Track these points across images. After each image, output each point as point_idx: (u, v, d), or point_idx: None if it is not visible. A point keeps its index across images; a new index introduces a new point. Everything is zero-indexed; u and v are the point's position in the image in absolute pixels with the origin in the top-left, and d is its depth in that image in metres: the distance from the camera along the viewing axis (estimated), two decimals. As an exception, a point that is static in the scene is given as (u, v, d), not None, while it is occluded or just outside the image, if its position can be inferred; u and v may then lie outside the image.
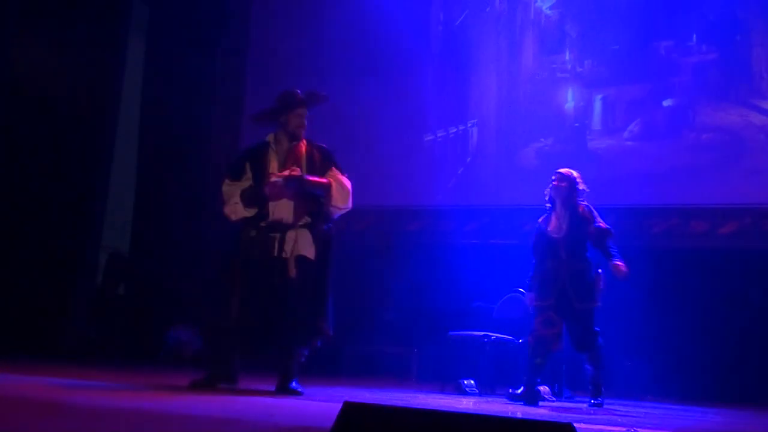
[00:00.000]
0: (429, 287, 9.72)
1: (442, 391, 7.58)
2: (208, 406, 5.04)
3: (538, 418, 4.84)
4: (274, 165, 6.40)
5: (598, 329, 7.07)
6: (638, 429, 4.85)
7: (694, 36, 9.42)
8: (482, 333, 7.75)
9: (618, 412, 6.46)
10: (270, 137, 6.56)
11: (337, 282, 10.21)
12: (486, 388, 7.66)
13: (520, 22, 10.24)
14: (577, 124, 9.85)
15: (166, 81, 11.45)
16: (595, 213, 7.16)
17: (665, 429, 5.34)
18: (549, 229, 7.18)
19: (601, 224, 7.11)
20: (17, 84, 9.96)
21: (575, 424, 3.24)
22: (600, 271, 7.13)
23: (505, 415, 4.49)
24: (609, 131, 9.76)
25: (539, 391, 7.17)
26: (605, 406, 6.86)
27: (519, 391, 7.04)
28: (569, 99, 9.93)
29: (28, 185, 10.04)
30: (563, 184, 7.17)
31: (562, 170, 7.26)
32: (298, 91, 6.59)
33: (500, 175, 10.00)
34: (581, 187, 7.23)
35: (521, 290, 7.94)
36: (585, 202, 7.21)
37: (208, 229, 11.23)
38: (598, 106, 9.80)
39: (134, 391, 5.91)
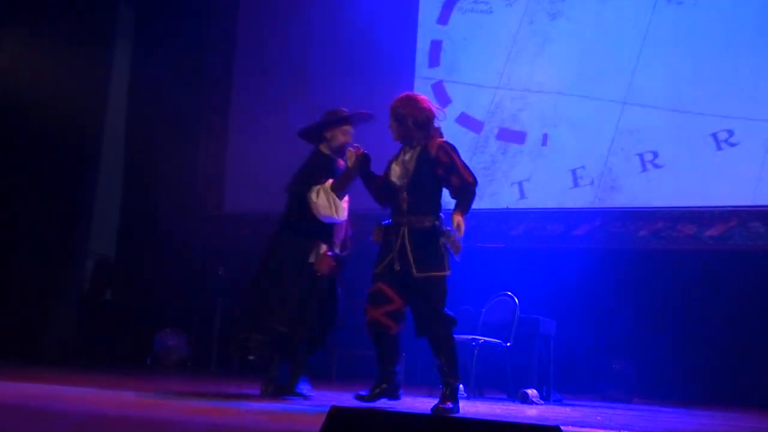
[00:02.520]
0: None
1: (430, 395, 7.57)
2: (194, 411, 5.02)
3: (526, 421, 4.84)
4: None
5: (448, 311, 5.80)
6: (625, 431, 4.85)
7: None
8: (470, 336, 7.74)
9: (605, 415, 6.47)
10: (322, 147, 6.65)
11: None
12: (474, 392, 7.65)
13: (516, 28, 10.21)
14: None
15: (152, 85, 11.43)
16: (457, 155, 5.68)
17: (653, 431, 5.34)
18: (390, 173, 5.81)
19: (463, 172, 5.70)
20: (1, 87, 9.91)
21: (562, 427, 3.24)
22: (449, 229, 5.87)
23: (493, 418, 4.49)
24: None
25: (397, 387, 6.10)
26: (598, 408, 6.86)
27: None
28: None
29: (13, 190, 9.99)
30: (403, 112, 5.75)
31: (402, 94, 5.96)
32: (344, 109, 6.59)
33: (490, 178, 9.94)
34: (433, 115, 5.75)
35: (509, 293, 7.96)
36: (442, 139, 5.75)
37: (194, 235, 11.22)
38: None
39: (121, 397, 5.88)
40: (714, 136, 9.13)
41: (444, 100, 10.15)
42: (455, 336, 7.78)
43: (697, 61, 9.26)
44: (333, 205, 6.47)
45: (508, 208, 9.78)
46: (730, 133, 9.10)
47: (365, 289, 6.26)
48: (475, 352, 7.61)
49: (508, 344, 7.72)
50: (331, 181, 6.40)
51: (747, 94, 9.05)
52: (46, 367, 8.55)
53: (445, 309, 5.74)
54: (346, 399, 6.44)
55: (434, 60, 10.50)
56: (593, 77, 9.63)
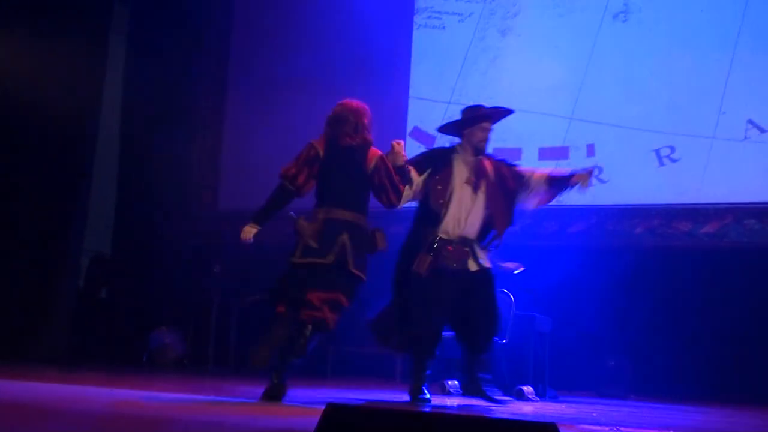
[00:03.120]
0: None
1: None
2: (191, 410, 5.02)
3: (522, 418, 4.84)
4: (459, 173, 6.35)
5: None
6: (622, 428, 4.86)
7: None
8: (466, 334, 7.73)
9: (601, 411, 6.48)
10: (458, 147, 6.50)
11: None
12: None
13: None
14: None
15: (147, 82, 11.42)
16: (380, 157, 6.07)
17: (649, 428, 5.35)
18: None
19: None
20: (-5, 87, 9.91)
21: (559, 424, 3.24)
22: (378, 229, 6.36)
23: (489, 415, 4.50)
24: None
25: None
26: (593, 404, 6.87)
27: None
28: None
29: (8, 188, 9.98)
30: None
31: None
32: (483, 106, 6.58)
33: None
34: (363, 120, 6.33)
35: (504, 290, 7.95)
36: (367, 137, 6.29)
37: (190, 232, 11.21)
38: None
39: (116, 395, 5.88)
40: (657, 152, 9.32)
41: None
42: (450, 333, 7.81)
43: (640, 77, 9.44)
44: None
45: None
46: (672, 149, 9.24)
47: (364, 287, 6.28)
48: (471, 349, 7.59)
49: (504, 341, 7.72)
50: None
51: (688, 112, 9.21)
52: (41, 366, 8.55)
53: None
54: (342, 396, 6.45)
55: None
56: (542, 93, 9.76)
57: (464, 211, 6.28)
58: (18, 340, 9.60)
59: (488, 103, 6.82)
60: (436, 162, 6.42)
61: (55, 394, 5.69)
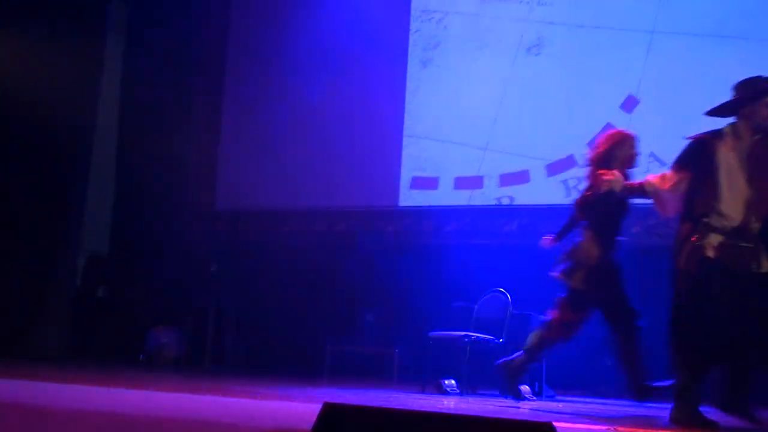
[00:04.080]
0: (409, 288, 9.73)
1: (423, 392, 7.59)
2: (188, 408, 5.02)
3: (519, 417, 4.84)
4: (729, 159, 5.48)
5: None
6: (618, 427, 4.86)
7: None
8: (463, 333, 7.75)
9: (598, 410, 6.48)
10: (727, 129, 5.65)
11: (319, 283, 10.28)
12: (467, 388, 7.67)
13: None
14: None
15: (144, 81, 11.41)
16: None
17: (645, 426, 5.35)
18: None
19: None
20: (-6, 86, 9.90)
21: (555, 423, 3.25)
22: None
23: (486, 415, 4.49)
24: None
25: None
26: (590, 403, 6.87)
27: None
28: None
29: (5, 188, 9.97)
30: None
31: None
32: (764, 76, 5.69)
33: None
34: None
35: (501, 290, 7.96)
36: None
37: (187, 232, 11.21)
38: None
39: (114, 394, 5.88)
40: (564, 182, 9.54)
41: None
42: (447, 333, 7.82)
43: (551, 109, 9.68)
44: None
45: (500, 205, 9.80)
46: (579, 180, 9.29)
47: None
48: (468, 348, 7.61)
49: (501, 340, 7.73)
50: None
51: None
52: (38, 365, 8.55)
53: None
54: (339, 395, 6.45)
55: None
56: (459, 123, 10.07)
57: (740, 202, 5.32)
58: (15, 340, 9.60)
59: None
60: (696, 155, 5.68)
61: (52, 393, 5.69)
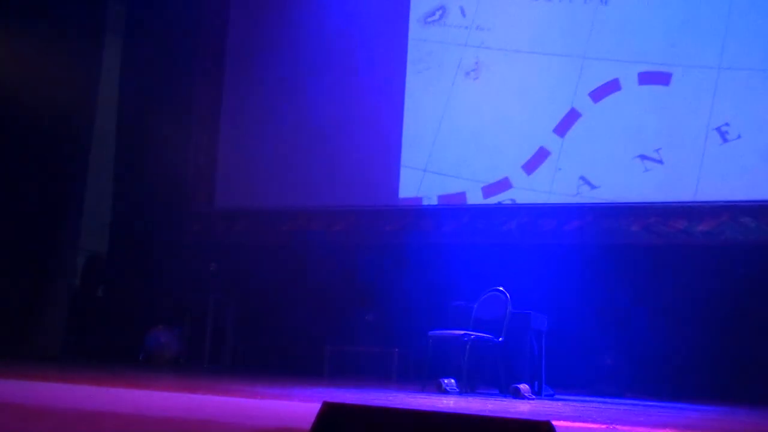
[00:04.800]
0: (408, 287, 9.73)
1: (423, 391, 7.59)
2: (187, 408, 5.02)
3: (518, 416, 4.84)
4: None
5: None
6: (617, 426, 4.86)
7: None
8: (462, 332, 7.75)
9: (597, 409, 6.48)
10: None
11: (318, 282, 10.27)
12: (466, 387, 7.66)
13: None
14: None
15: (143, 80, 11.41)
16: None
17: (644, 425, 5.35)
18: None
19: None
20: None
21: (554, 422, 3.24)
22: None
23: (485, 414, 4.49)
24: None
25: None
26: (590, 402, 6.87)
27: None
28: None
29: (4, 187, 9.96)
30: None
31: None
32: None
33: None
34: None
35: (500, 289, 7.96)
36: None
37: (186, 231, 11.20)
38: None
39: (113, 393, 5.88)
40: (499, 204, 9.95)
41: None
42: (447, 332, 7.81)
43: (487, 132, 9.94)
44: None
45: (500, 204, 9.80)
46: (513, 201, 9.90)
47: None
48: (468, 347, 7.61)
49: (500, 339, 7.73)
50: None
51: (537, 171, 9.76)
52: (37, 364, 8.54)
53: None
54: (338, 395, 6.45)
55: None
56: (402, 144, 10.42)
57: None
58: (14, 339, 9.59)
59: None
60: None
61: (51, 392, 5.68)
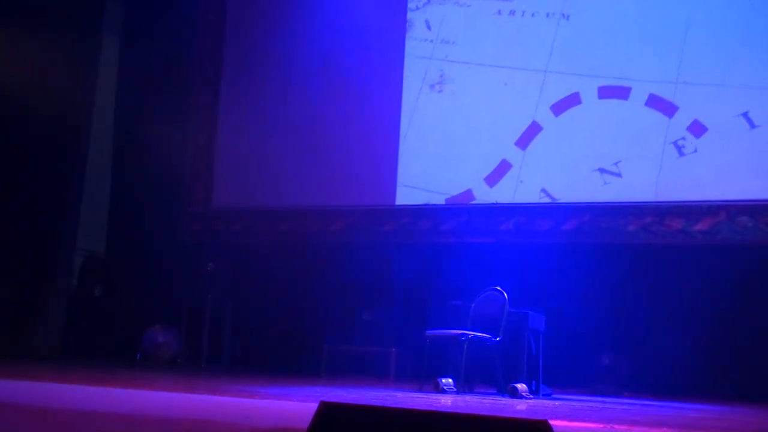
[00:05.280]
0: (406, 286, 9.73)
1: (420, 390, 7.58)
2: (185, 408, 5.02)
3: (515, 415, 4.84)
4: None
5: None
6: (615, 425, 4.86)
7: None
8: (460, 331, 7.75)
9: (595, 408, 6.48)
10: None
11: (315, 282, 10.27)
12: (464, 387, 7.66)
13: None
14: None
15: (140, 80, 11.40)
16: None
17: (642, 425, 5.35)
18: None
19: None
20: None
21: (552, 422, 3.24)
22: None
23: (483, 413, 4.49)
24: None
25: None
26: (587, 402, 6.87)
27: None
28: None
29: (1, 188, 9.95)
30: None
31: None
32: None
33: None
34: None
35: (498, 288, 7.95)
36: None
37: (183, 230, 11.20)
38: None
39: (110, 393, 5.87)
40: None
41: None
42: (444, 331, 7.81)
43: (451, 145, 10.14)
44: None
45: (497, 203, 9.80)
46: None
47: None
48: (465, 346, 7.61)
49: (498, 339, 7.73)
50: None
51: (501, 182, 9.94)
52: (34, 364, 8.53)
53: None
54: (336, 394, 6.45)
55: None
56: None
57: None
58: (11, 339, 9.58)
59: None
60: None
61: (47, 392, 5.68)
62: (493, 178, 9.90)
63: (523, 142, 9.84)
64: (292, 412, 5.03)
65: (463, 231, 9.91)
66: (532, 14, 10.07)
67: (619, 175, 9.44)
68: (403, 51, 10.53)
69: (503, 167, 9.86)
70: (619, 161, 9.44)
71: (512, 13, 10.16)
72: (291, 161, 10.77)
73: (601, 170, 9.49)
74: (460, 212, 9.99)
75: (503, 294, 7.95)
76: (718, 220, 9.01)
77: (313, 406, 3.46)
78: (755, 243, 8.87)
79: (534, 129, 9.83)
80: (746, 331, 8.70)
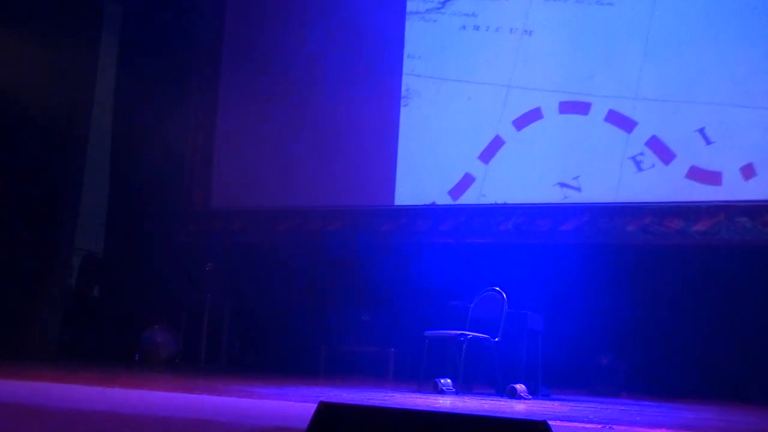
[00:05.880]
0: (405, 287, 9.73)
1: (419, 391, 7.58)
2: (184, 408, 5.02)
3: (514, 416, 4.84)
4: None
5: None
6: (613, 426, 4.86)
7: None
8: (458, 332, 7.75)
9: (593, 409, 6.48)
10: None
11: (314, 282, 10.28)
12: (462, 387, 7.66)
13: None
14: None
15: (139, 81, 11.39)
16: None
17: (640, 425, 5.35)
18: None
19: None
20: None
21: (550, 422, 3.24)
22: None
23: (481, 414, 4.50)
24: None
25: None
26: (586, 402, 6.87)
27: None
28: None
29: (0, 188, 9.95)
30: None
31: None
32: None
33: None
34: None
35: (497, 288, 7.95)
36: None
37: (182, 230, 11.20)
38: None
39: (108, 393, 5.87)
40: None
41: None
42: (443, 332, 7.81)
43: (415, 158, 10.27)
44: None
45: (496, 204, 9.80)
46: None
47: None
48: (464, 347, 7.61)
49: (497, 339, 7.73)
50: None
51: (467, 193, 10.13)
52: (33, 365, 8.53)
53: None
54: (335, 394, 6.45)
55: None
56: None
57: None
58: (10, 339, 9.57)
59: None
60: None
61: (46, 392, 5.68)
62: (456, 192, 10.06)
63: (487, 156, 9.99)
64: (290, 413, 5.03)
65: (463, 231, 9.91)
66: (496, 29, 10.20)
67: (578, 189, 9.57)
68: (403, 50, 10.53)
69: (467, 180, 10.03)
70: (579, 176, 9.59)
71: (476, 28, 10.29)
72: (290, 161, 10.77)
73: (562, 184, 9.62)
74: (460, 212, 10.00)
75: (502, 294, 7.95)
76: (717, 221, 9.01)
77: (312, 407, 3.46)
78: (754, 243, 8.87)
79: (497, 143, 9.98)
80: (745, 332, 8.70)
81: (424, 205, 10.12)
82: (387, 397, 6.72)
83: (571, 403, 7.22)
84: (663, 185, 9.25)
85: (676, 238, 9.16)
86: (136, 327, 10.42)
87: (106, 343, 10.62)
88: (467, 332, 7.75)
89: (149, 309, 10.70)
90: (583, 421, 5.19)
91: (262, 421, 4.57)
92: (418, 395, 7.21)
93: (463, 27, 10.32)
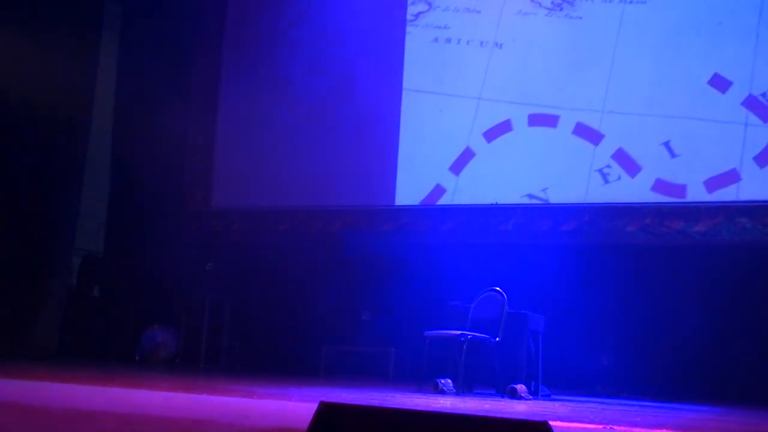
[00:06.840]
0: (405, 287, 9.72)
1: (419, 391, 7.58)
2: (184, 408, 5.01)
3: (515, 416, 4.84)
4: None
5: None
6: (614, 426, 4.86)
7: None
8: (459, 332, 7.75)
9: (594, 410, 6.48)
10: None
11: (314, 282, 10.27)
12: (463, 387, 7.67)
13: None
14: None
15: (139, 80, 11.39)
16: None
17: (641, 426, 5.35)
18: None
19: None
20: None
21: (551, 422, 3.24)
22: None
23: (482, 414, 4.49)
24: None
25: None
26: (586, 403, 6.87)
27: None
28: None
29: None
30: None
31: None
32: None
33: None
34: None
35: (497, 289, 7.95)
36: None
37: (182, 230, 11.19)
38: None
39: (109, 393, 5.87)
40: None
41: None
42: (443, 332, 7.81)
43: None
44: None
45: (496, 204, 9.80)
46: None
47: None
48: (464, 347, 7.61)
49: (497, 340, 7.73)
50: None
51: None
52: (33, 364, 8.53)
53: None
54: (335, 394, 6.44)
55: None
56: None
57: None
58: (10, 339, 9.56)
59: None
60: None
61: (47, 392, 5.68)
62: (428, 202, 10.17)
63: (457, 167, 10.07)
64: (291, 412, 5.03)
65: (463, 231, 9.91)
66: (467, 42, 10.27)
67: (547, 201, 9.65)
68: (404, 50, 10.53)
69: (437, 192, 10.11)
70: (547, 187, 9.67)
71: (448, 41, 10.37)
72: (291, 161, 10.77)
73: (530, 196, 9.70)
74: (460, 213, 9.99)
75: (502, 295, 7.96)
76: (717, 221, 9.01)
77: (312, 406, 3.46)
78: (754, 244, 8.87)
79: (467, 155, 10.05)
80: (746, 332, 8.70)
81: (425, 205, 10.12)
82: (387, 397, 6.72)
83: (571, 404, 7.22)
84: (629, 198, 9.36)
85: (677, 238, 9.16)
86: (137, 326, 10.42)
87: (106, 343, 10.62)
88: (467, 332, 7.75)
89: (149, 308, 10.71)
90: (583, 422, 5.19)
91: (262, 421, 4.57)
92: (419, 395, 7.21)
93: (435, 40, 10.42)
